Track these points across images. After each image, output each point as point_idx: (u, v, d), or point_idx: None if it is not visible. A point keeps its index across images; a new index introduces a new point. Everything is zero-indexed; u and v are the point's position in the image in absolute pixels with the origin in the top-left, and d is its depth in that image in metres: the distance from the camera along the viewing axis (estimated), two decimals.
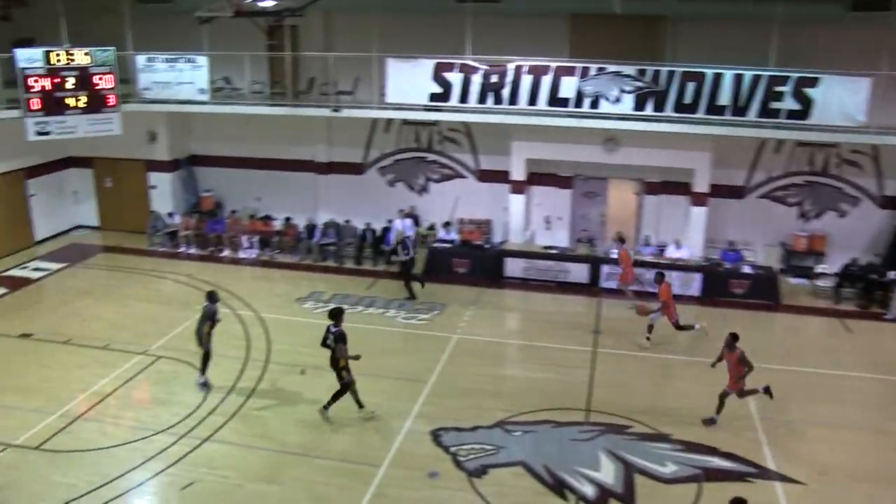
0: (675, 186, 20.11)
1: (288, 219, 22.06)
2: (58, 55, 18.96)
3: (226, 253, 21.97)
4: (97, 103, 19.62)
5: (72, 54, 19.10)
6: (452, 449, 12.28)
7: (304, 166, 22.70)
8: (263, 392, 14.05)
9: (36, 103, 18.98)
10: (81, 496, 11.07)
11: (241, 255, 21.83)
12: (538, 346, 16.18)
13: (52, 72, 18.96)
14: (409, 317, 17.51)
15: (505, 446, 12.36)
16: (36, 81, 18.89)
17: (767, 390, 12.96)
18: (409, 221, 20.58)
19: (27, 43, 20.45)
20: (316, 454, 12.13)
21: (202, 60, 20.31)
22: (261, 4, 18.45)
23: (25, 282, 20.02)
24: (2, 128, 19.96)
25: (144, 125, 22.48)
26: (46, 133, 19.41)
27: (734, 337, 12.86)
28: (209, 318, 14.08)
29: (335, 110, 20.05)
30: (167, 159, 23.26)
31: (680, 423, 13.05)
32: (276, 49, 21.18)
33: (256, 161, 23.08)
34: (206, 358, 14.19)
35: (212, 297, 14.29)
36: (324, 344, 12.90)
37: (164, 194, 23.42)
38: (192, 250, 22.23)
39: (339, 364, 12.80)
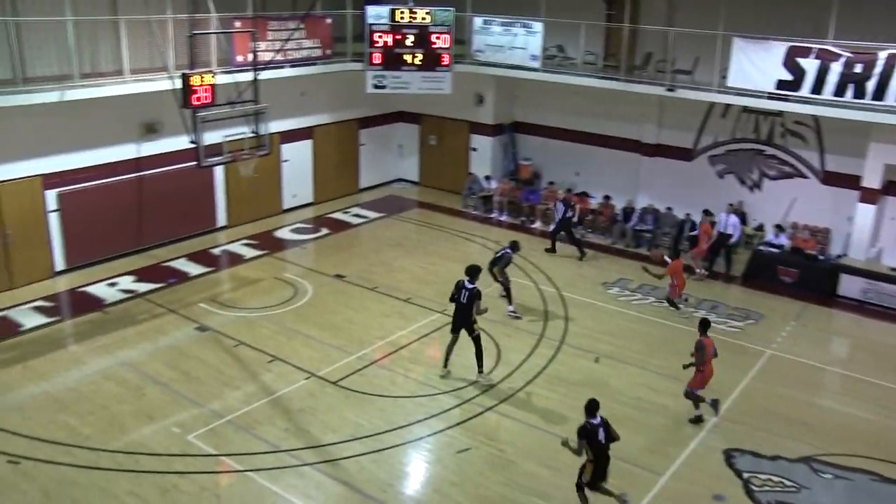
0: None
1: (607, 198, 21.99)
2: (402, 13, 20.48)
3: (536, 225, 22.50)
4: (432, 62, 20.93)
5: (415, 13, 20.53)
6: (746, 475, 11.59)
7: (629, 145, 22.47)
8: (553, 373, 14.26)
9: (377, 58, 20.73)
10: (365, 437, 12.07)
11: (552, 228, 22.20)
12: (867, 380, 14.66)
13: (395, 28, 20.54)
14: (720, 321, 16.72)
15: (809, 487, 11.40)
16: (380, 37, 20.61)
17: (715, 404, 12.88)
18: (735, 218, 19.54)
19: (376, 0, 22.32)
20: None
21: (538, 26, 20.80)
22: None
23: (345, 226, 22.12)
24: (346, 79, 22.15)
25: (473, 87, 23.60)
26: (382, 87, 21.15)
27: (704, 323, 12.83)
28: (504, 264, 16.47)
29: (670, 90, 19.52)
30: (491, 123, 24.25)
31: None
32: (615, 20, 21.05)
33: (579, 134, 23.28)
34: (508, 291, 16.59)
35: (514, 245, 16.96)
36: (453, 299, 13.73)
37: (483, 158, 24.49)
38: (504, 217, 23.04)
39: (473, 320, 13.61)
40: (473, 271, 13.70)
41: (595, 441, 9.96)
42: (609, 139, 22.78)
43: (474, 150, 24.68)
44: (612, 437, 10.15)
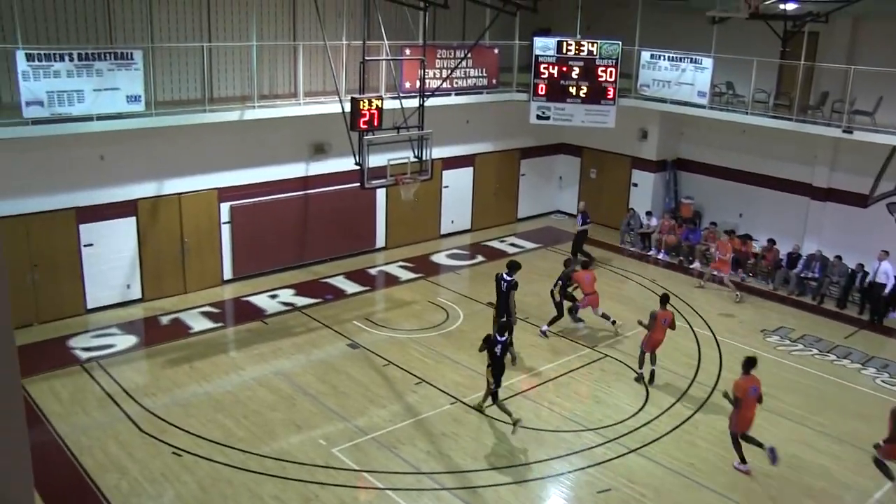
0: None
1: (771, 241, 20.99)
2: (569, 45, 20.50)
3: (695, 265, 21.77)
4: (596, 95, 20.81)
5: (581, 45, 20.50)
6: None
7: (798, 188, 21.44)
8: (703, 419, 13.72)
9: (542, 89, 20.85)
10: (505, 467, 11.99)
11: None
12: None
13: (561, 60, 20.60)
14: (894, 382, 15.57)
15: None
16: (546, 68, 20.73)
17: (640, 378, 14.82)
18: (887, 265, 18.12)
19: (544, 32, 22.50)
20: (743, 502, 11.50)
21: (707, 62, 20.23)
22: (783, 7, 17.74)
23: (501, 254, 22.19)
24: (510, 108, 22.37)
25: (637, 122, 23.25)
26: (546, 118, 21.22)
27: (664, 298, 15.11)
28: (560, 279, 16.81)
29: (847, 131, 18.50)
30: (654, 159, 23.79)
31: None
32: (790, 57, 20.18)
33: (744, 174, 22.46)
34: (559, 312, 16.81)
35: (566, 263, 17.36)
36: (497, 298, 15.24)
37: (644, 194, 24.02)
38: (661, 256, 22.44)
39: (510, 311, 14.97)
40: (513, 266, 15.36)
41: (492, 351, 13.00)
42: (777, 180, 21.83)
43: (635, 185, 24.28)
44: (508, 352, 13.76)
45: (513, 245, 23.04)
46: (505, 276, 15.16)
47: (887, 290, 18.32)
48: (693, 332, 17.38)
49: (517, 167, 24.89)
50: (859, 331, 18.03)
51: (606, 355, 16.02)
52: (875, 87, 18.62)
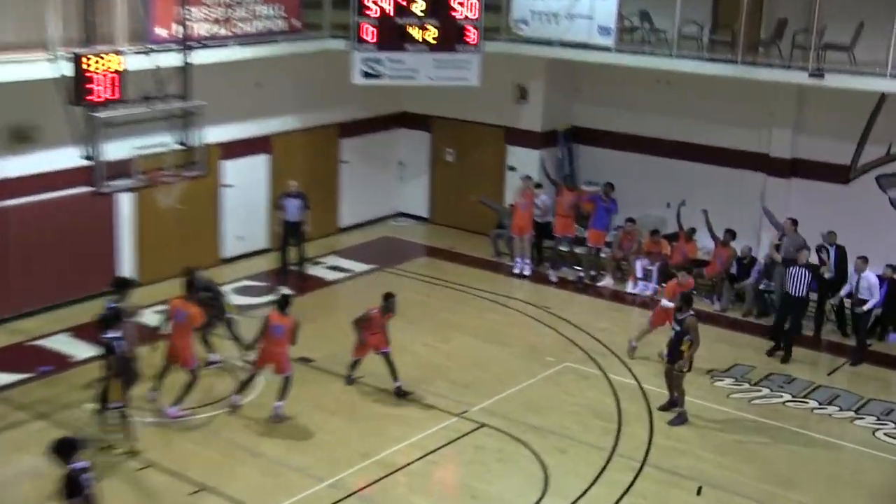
0: None
1: (731, 234, 21.29)
2: None
3: (606, 282, 22.21)
4: (451, 38, 20.95)
5: None
6: None
7: (748, 161, 22.32)
8: None
9: (369, 32, 20.70)
10: None
11: (629, 288, 21.92)
12: None
13: None
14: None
15: None
16: (375, 2, 20.57)
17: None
18: (872, 276, 18.72)
19: None
20: None
21: None
22: None
23: (316, 283, 22.13)
24: (322, 63, 22.27)
25: (512, 76, 23.72)
26: (377, 75, 21.23)
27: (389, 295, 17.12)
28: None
29: (815, 75, 19.27)
30: (538, 130, 24.23)
31: None
32: None
33: (670, 145, 23.25)
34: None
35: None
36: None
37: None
38: (552, 270, 22.71)
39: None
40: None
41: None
42: (716, 151, 22.68)
43: (512, 169, 24.62)
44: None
45: (334, 268, 22.97)
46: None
47: (867, 307, 18.98)
48: (608, 380, 17.69)
49: (336, 151, 24.91)
50: (843, 366, 18.83)
51: (482, 424, 16.03)
52: (852, 11, 19.54)
